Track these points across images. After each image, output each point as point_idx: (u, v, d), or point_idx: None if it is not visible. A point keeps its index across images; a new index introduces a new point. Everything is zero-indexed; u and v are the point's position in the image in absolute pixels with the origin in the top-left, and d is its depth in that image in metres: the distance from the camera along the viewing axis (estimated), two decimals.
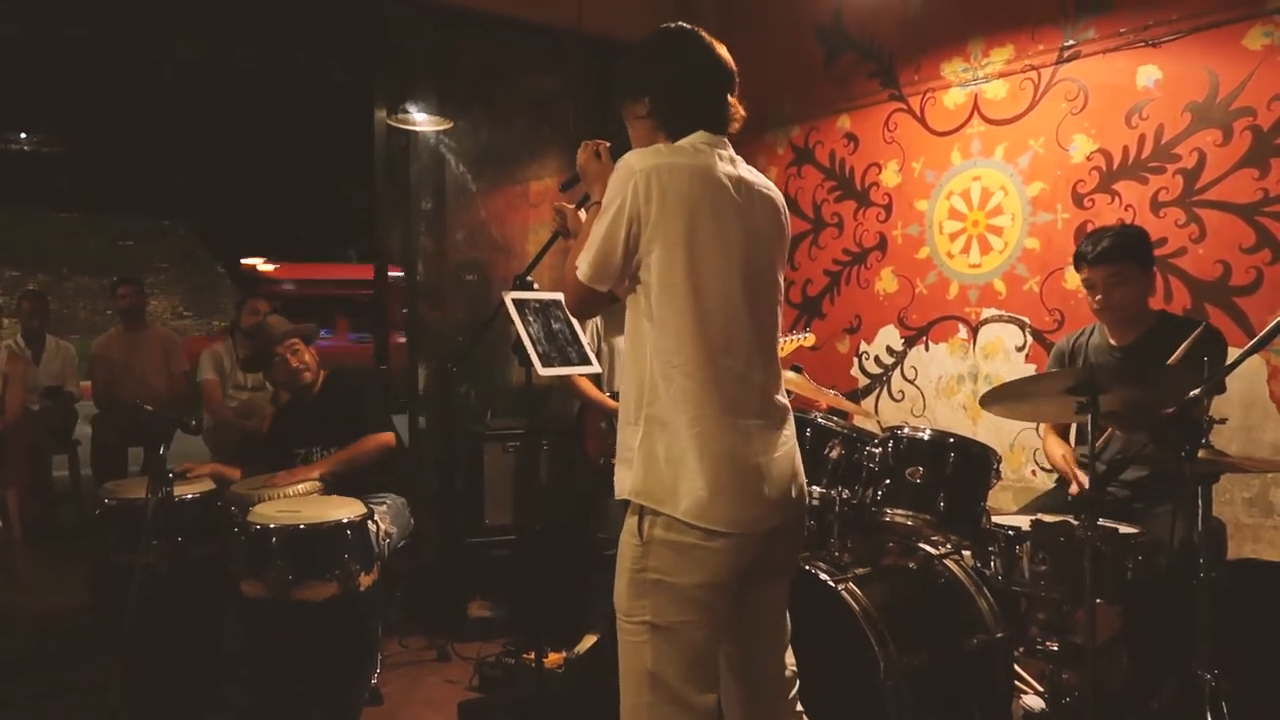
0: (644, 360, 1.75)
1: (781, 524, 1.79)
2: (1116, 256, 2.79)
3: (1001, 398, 2.56)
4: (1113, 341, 2.93)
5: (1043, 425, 3.21)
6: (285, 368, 3.48)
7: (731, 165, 1.80)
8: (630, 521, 1.75)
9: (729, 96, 1.84)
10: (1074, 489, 2.80)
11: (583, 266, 1.76)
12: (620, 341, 3.69)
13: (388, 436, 3.37)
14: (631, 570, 1.73)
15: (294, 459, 3.42)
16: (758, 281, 1.80)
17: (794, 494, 1.81)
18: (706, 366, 1.71)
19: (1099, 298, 2.85)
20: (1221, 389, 2.75)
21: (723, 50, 1.85)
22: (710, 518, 1.68)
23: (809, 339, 3.67)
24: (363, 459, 3.32)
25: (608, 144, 2.00)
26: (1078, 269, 2.94)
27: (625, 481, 1.76)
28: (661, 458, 1.71)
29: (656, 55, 1.86)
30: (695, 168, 1.74)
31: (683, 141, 1.79)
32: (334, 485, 3.24)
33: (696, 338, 1.71)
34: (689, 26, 1.86)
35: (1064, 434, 3.14)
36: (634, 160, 1.73)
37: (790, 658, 1.92)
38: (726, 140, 1.84)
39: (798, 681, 1.92)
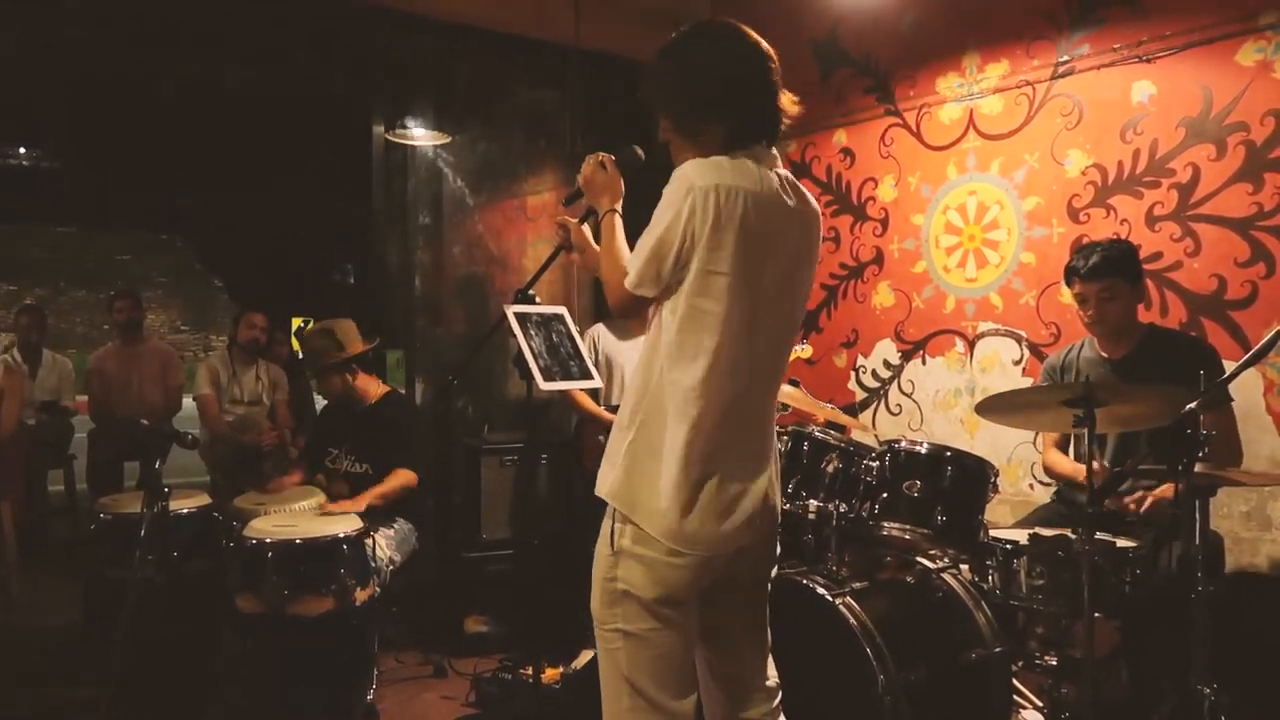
0: (653, 370, 1.75)
1: (750, 542, 1.80)
2: (1107, 271, 2.81)
3: (997, 408, 2.56)
4: (1104, 354, 2.94)
5: (1043, 440, 3.21)
6: (335, 387, 3.48)
7: (779, 182, 1.77)
8: (604, 531, 1.77)
9: (777, 98, 1.79)
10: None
11: (632, 274, 1.74)
12: (618, 356, 3.69)
13: (414, 477, 3.38)
14: (604, 579, 1.76)
15: (325, 455, 3.50)
16: (783, 307, 1.80)
17: (765, 514, 1.81)
18: (711, 390, 1.71)
19: (1091, 312, 2.87)
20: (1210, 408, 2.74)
21: (765, 45, 1.80)
22: (676, 538, 1.69)
23: (806, 350, 3.67)
24: (397, 494, 3.33)
25: (612, 157, 1.99)
26: (1069, 284, 2.95)
27: (606, 480, 1.77)
28: (645, 468, 1.72)
29: (703, 56, 1.79)
30: (751, 192, 1.70)
31: (743, 156, 1.74)
32: (385, 507, 3.26)
33: (711, 362, 1.71)
34: (728, 23, 1.81)
35: (1064, 446, 3.14)
36: (694, 175, 1.68)
37: (772, 669, 1.93)
38: (776, 155, 1.81)
39: (780, 693, 1.92)
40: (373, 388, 3.54)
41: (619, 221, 1.91)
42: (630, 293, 1.76)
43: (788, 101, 1.81)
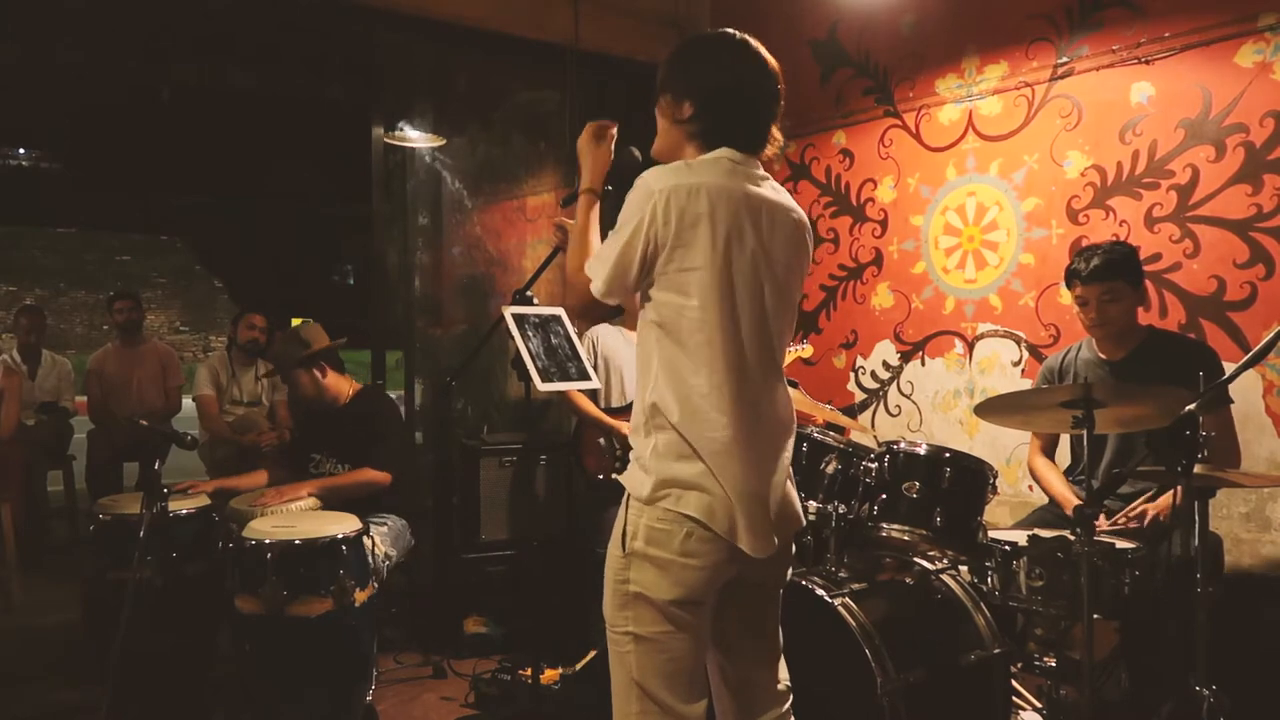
0: (651, 371, 1.75)
1: (780, 541, 1.79)
2: (1108, 274, 2.81)
3: (997, 410, 2.57)
4: (1103, 356, 2.94)
5: (1029, 441, 3.21)
6: (306, 388, 3.47)
7: (755, 185, 1.76)
8: (616, 533, 1.77)
9: (772, 120, 1.81)
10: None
11: (598, 282, 1.76)
12: (617, 357, 3.69)
13: (382, 476, 3.34)
14: (615, 582, 1.75)
15: (309, 461, 3.46)
16: (772, 304, 1.78)
17: (788, 519, 1.82)
18: (713, 388, 1.71)
19: (1092, 314, 2.87)
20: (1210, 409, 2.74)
21: (775, 67, 1.81)
22: (726, 527, 1.69)
23: (806, 350, 3.68)
24: (352, 491, 3.30)
25: (615, 127, 1.96)
26: (1070, 286, 2.96)
27: (643, 485, 1.73)
28: (676, 463, 1.71)
29: (711, 61, 1.80)
30: (715, 187, 1.70)
31: (707, 156, 1.75)
32: (335, 502, 3.24)
33: (706, 361, 1.71)
34: (749, 39, 1.82)
35: (1050, 449, 3.14)
36: (652, 180, 1.70)
37: (784, 672, 1.92)
38: (757, 160, 1.80)
39: (791, 696, 1.92)
40: (344, 386, 3.53)
41: (595, 209, 1.91)
42: (593, 295, 1.78)
43: (777, 129, 1.82)
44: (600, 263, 1.76)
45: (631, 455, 1.80)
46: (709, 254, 1.69)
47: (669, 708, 1.71)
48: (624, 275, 1.73)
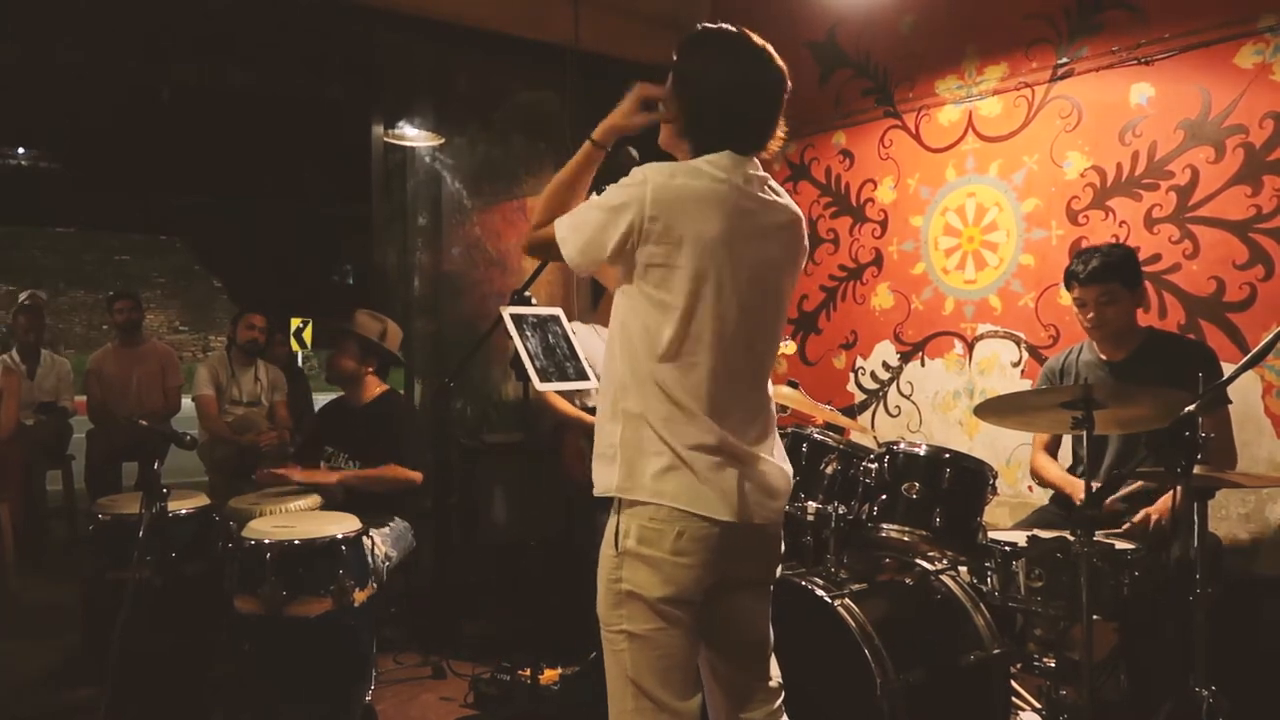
0: (624, 359, 1.75)
1: (755, 534, 1.79)
2: (1106, 275, 2.82)
3: (996, 410, 2.57)
4: (1103, 357, 2.95)
5: (1032, 442, 3.21)
6: (345, 365, 3.52)
7: (751, 187, 1.75)
8: (608, 532, 1.77)
9: (773, 115, 1.79)
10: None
11: (571, 250, 1.74)
12: (595, 359, 3.67)
13: (415, 475, 3.38)
14: (608, 581, 1.76)
15: (321, 455, 3.49)
16: (760, 305, 1.78)
17: (772, 506, 1.81)
18: (693, 385, 1.71)
19: (1090, 316, 2.87)
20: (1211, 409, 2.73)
21: (775, 60, 1.79)
22: (696, 502, 1.69)
23: (790, 347, 3.68)
24: (383, 485, 3.33)
25: (660, 95, 1.84)
26: (1068, 287, 2.96)
27: (608, 478, 1.75)
28: (643, 456, 1.71)
29: (701, 60, 1.78)
30: (709, 193, 1.69)
31: (701, 161, 1.72)
32: (344, 502, 3.25)
33: (687, 363, 1.71)
34: (748, 34, 1.79)
35: (1053, 449, 3.14)
36: (650, 172, 1.69)
37: (775, 669, 1.93)
38: (755, 160, 1.79)
39: (783, 693, 1.92)
40: (373, 388, 3.57)
41: (591, 164, 1.88)
42: (555, 250, 1.77)
43: (781, 124, 1.82)
44: (575, 231, 1.74)
45: (596, 450, 1.80)
46: (696, 261, 1.68)
47: (663, 704, 1.72)
48: (598, 252, 1.72)
